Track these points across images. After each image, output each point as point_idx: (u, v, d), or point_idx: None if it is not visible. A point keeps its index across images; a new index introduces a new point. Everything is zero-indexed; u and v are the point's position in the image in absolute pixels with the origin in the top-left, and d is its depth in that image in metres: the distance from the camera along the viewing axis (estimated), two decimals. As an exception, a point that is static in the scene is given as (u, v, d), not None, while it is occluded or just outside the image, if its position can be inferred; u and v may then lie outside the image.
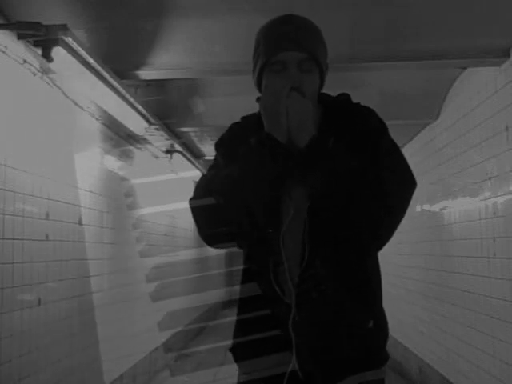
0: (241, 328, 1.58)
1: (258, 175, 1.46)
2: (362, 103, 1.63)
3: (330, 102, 1.61)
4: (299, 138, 1.45)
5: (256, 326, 1.52)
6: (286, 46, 1.51)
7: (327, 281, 1.48)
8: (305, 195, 1.48)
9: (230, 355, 1.61)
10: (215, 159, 1.65)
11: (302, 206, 1.48)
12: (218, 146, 1.66)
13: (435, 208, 5.35)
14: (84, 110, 4.15)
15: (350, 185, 1.42)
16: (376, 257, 1.60)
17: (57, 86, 3.63)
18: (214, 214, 1.50)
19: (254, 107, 1.63)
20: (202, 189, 1.57)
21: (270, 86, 1.51)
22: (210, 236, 1.56)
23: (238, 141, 1.55)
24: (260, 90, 1.59)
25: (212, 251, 10.80)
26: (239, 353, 1.60)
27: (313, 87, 1.54)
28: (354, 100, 1.64)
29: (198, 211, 1.54)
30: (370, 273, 1.57)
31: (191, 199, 1.58)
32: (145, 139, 5.64)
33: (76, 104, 3.97)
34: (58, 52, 3.02)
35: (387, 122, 1.59)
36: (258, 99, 1.53)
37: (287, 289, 1.49)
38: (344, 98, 1.62)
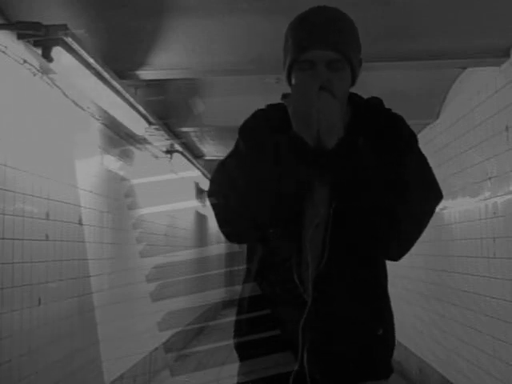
0: (246, 327, 1.56)
1: (286, 177, 1.42)
2: None
3: (360, 104, 1.57)
4: (328, 139, 1.40)
5: (263, 326, 1.51)
6: (313, 45, 1.45)
7: (343, 283, 1.47)
8: (327, 197, 1.45)
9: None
10: (236, 145, 1.56)
11: (326, 207, 1.45)
12: (241, 131, 1.58)
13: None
14: (84, 110, 4.14)
15: (376, 188, 1.40)
16: (385, 264, 1.58)
17: (57, 86, 3.62)
18: (234, 212, 1.46)
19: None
20: (220, 186, 1.51)
21: (300, 87, 1.45)
22: (230, 233, 1.53)
23: (263, 131, 1.51)
24: (290, 86, 1.53)
25: (212, 251, 10.81)
26: (244, 352, 1.58)
27: (343, 86, 1.49)
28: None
29: (218, 209, 1.50)
30: (382, 277, 1.56)
31: (209, 190, 1.53)
32: (145, 139, 5.64)
33: (76, 104, 3.97)
34: (58, 52, 3.02)
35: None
36: (284, 96, 1.49)
37: (305, 288, 1.47)
38: (376, 101, 1.57)
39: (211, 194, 1.53)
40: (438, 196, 1.50)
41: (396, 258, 1.51)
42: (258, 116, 1.59)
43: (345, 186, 1.42)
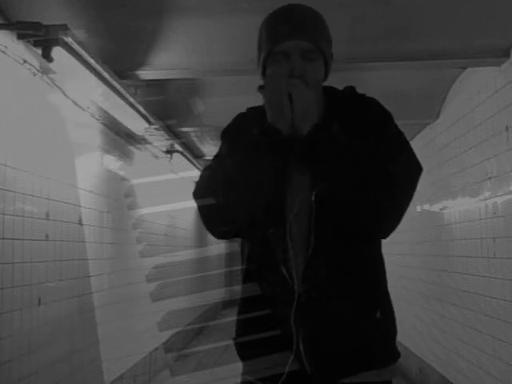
0: (245, 326, 1.56)
1: (260, 167, 1.45)
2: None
3: (334, 94, 1.61)
4: (302, 126, 1.44)
5: (261, 325, 1.50)
6: (287, 37, 1.49)
7: (333, 270, 1.47)
8: (308, 185, 1.46)
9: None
10: (220, 149, 1.65)
11: (307, 195, 1.46)
12: (223, 135, 1.66)
13: (435, 208, 5.35)
14: (84, 110, 4.14)
15: (355, 171, 1.41)
16: (380, 246, 1.58)
17: (57, 86, 3.63)
18: (217, 211, 1.50)
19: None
20: (204, 186, 1.57)
21: (272, 77, 1.50)
22: (215, 231, 1.57)
23: (243, 131, 1.54)
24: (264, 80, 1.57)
25: (212, 251, 10.81)
26: (244, 351, 1.58)
27: (316, 76, 1.53)
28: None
29: (201, 209, 1.55)
30: (375, 262, 1.56)
31: (194, 192, 1.57)
32: (145, 139, 5.64)
33: (76, 104, 3.97)
34: (58, 52, 3.02)
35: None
36: (260, 88, 1.51)
37: (295, 280, 1.47)
38: (349, 89, 1.61)
39: (196, 197, 1.57)
40: (418, 169, 1.52)
41: (384, 235, 1.52)
42: (239, 119, 1.66)
43: (324, 172, 1.43)
